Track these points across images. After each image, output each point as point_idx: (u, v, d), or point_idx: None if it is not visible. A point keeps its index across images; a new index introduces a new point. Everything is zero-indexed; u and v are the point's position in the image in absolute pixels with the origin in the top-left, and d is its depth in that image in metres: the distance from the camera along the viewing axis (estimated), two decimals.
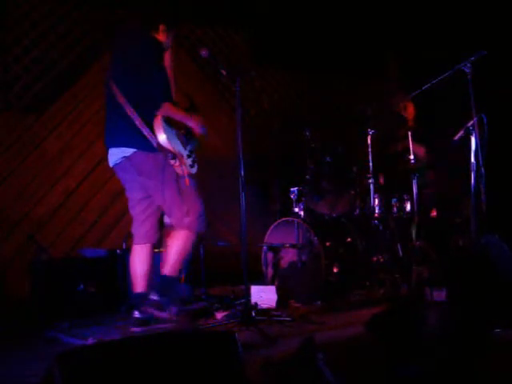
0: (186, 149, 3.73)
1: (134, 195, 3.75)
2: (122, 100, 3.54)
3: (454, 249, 4.82)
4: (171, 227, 3.86)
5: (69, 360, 1.92)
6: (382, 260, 4.60)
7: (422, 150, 5.23)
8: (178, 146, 3.62)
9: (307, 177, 4.82)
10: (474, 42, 4.62)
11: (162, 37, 3.80)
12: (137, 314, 3.62)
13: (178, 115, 3.72)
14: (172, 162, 3.54)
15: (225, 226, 6.14)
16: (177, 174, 3.61)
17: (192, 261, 4.71)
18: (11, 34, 5.13)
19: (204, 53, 3.83)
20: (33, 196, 5.15)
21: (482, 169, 3.95)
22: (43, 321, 3.86)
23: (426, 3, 6.28)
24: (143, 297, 3.68)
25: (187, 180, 3.64)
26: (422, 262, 4.43)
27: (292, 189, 4.86)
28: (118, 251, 4.44)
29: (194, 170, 3.78)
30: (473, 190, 4.00)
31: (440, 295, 3.64)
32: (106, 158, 5.51)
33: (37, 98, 5.24)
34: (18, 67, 5.15)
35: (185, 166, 3.62)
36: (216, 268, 4.96)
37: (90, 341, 3.29)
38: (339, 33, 6.54)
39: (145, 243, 3.75)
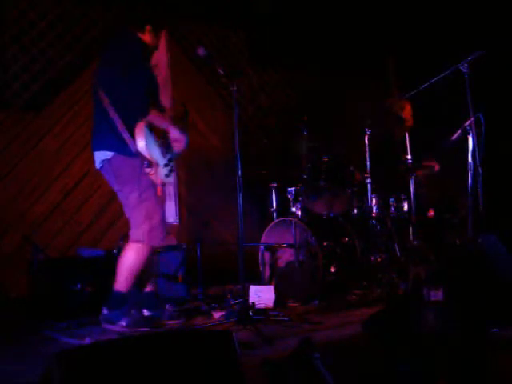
0: (164, 157, 3.68)
1: (122, 197, 3.71)
2: (106, 103, 3.51)
3: (451, 248, 4.83)
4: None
5: (66, 359, 1.92)
6: (379, 260, 4.60)
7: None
8: (155, 154, 3.58)
9: (304, 176, 4.82)
10: (472, 42, 4.63)
11: (148, 38, 3.74)
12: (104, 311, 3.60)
13: (161, 123, 3.69)
14: (147, 169, 3.52)
15: (222, 225, 6.14)
16: (152, 181, 3.59)
17: (189, 261, 4.71)
18: (9, 32, 5.12)
19: (201, 52, 3.82)
20: (30, 195, 5.15)
21: (480, 168, 3.95)
22: (41, 320, 3.86)
23: (425, 3, 6.28)
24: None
25: (159, 189, 3.60)
26: (420, 261, 4.44)
27: (289, 188, 4.86)
28: (115, 251, 4.43)
29: (168, 180, 3.73)
30: (470, 189, 4.00)
31: (437, 295, 3.64)
32: None
33: (35, 96, 5.23)
34: (16, 66, 5.15)
35: (158, 175, 3.59)
36: (213, 268, 4.96)
37: (88, 340, 3.30)
38: (338, 32, 6.54)
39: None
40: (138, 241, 3.57)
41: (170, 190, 5.94)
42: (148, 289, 3.81)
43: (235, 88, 3.64)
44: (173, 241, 4.91)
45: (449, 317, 2.98)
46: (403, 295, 4.28)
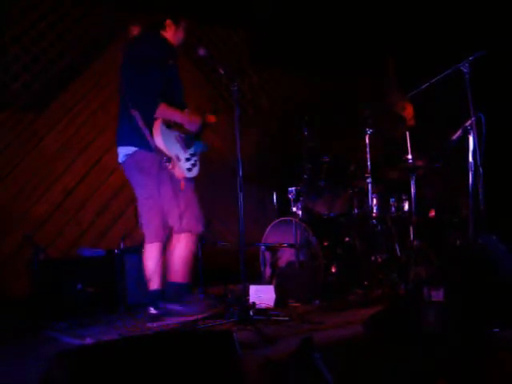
0: (186, 152, 3.79)
1: (139, 193, 3.86)
2: (128, 100, 3.65)
3: (452, 248, 4.82)
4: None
5: (67, 359, 1.93)
6: (380, 260, 4.60)
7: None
8: (175, 150, 3.71)
9: (305, 176, 4.82)
10: (473, 42, 4.62)
11: (170, 33, 3.85)
12: (152, 310, 3.74)
13: (172, 115, 3.77)
14: (167, 164, 3.66)
15: (223, 225, 6.14)
16: (173, 175, 3.72)
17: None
18: (10, 32, 5.12)
19: (201, 52, 3.83)
20: (31, 195, 5.15)
21: (480, 168, 3.94)
22: (42, 320, 3.86)
23: (425, 2, 6.27)
24: (158, 293, 3.81)
25: (182, 183, 3.74)
26: (420, 261, 4.43)
27: (290, 188, 4.86)
28: (116, 251, 4.43)
29: (191, 174, 3.84)
30: (471, 189, 3.99)
31: (438, 295, 3.64)
32: (104, 158, 5.56)
33: (36, 96, 5.23)
34: (17, 66, 5.15)
35: (180, 170, 3.72)
36: (214, 267, 4.96)
37: (89, 340, 3.30)
38: (338, 32, 6.54)
39: (154, 242, 3.85)
40: (185, 230, 3.78)
41: None
42: (154, 287, 3.87)
43: (236, 88, 3.65)
44: None
45: (449, 317, 2.98)
46: (404, 295, 4.29)
